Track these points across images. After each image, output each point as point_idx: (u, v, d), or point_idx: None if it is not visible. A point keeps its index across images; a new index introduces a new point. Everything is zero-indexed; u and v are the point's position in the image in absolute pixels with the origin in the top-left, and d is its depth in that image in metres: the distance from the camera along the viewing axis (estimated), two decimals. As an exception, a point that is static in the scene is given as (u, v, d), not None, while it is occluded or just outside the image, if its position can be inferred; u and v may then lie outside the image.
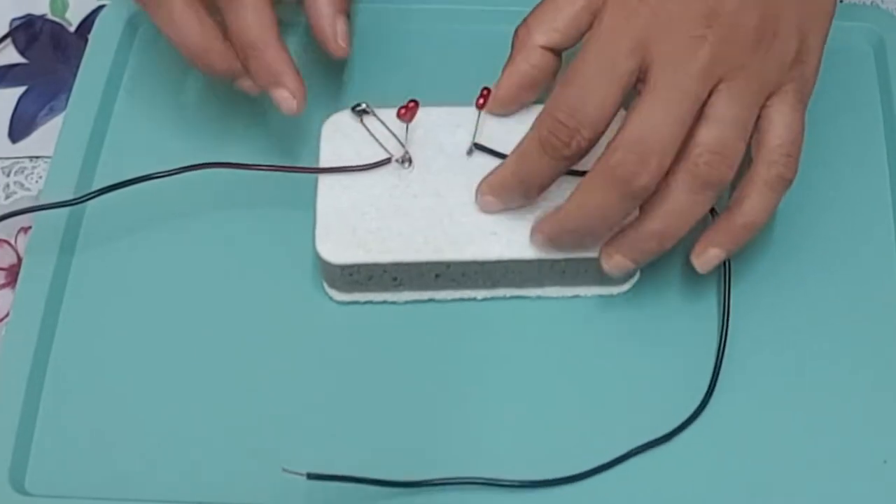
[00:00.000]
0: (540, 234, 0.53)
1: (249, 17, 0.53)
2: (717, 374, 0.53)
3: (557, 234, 0.52)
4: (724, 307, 0.54)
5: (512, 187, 0.53)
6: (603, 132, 0.50)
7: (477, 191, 0.54)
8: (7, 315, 0.55)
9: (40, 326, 0.54)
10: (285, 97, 0.54)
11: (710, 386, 0.53)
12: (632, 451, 0.52)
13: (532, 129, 0.51)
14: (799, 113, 0.51)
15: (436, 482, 0.50)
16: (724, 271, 0.54)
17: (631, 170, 0.48)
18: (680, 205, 0.50)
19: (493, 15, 0.63)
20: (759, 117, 0.51)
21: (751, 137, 0.51)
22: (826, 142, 0.59)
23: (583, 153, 0.50)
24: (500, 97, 0.55)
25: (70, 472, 0.51)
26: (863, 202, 0.58)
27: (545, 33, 0.53)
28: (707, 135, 0.49)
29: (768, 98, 0.50)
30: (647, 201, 0.50)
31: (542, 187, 0.52)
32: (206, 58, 0.54)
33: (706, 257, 0.52)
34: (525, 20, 0.54)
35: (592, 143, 0.50)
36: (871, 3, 0.65)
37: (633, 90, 0.50)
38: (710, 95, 0.49)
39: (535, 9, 0.54)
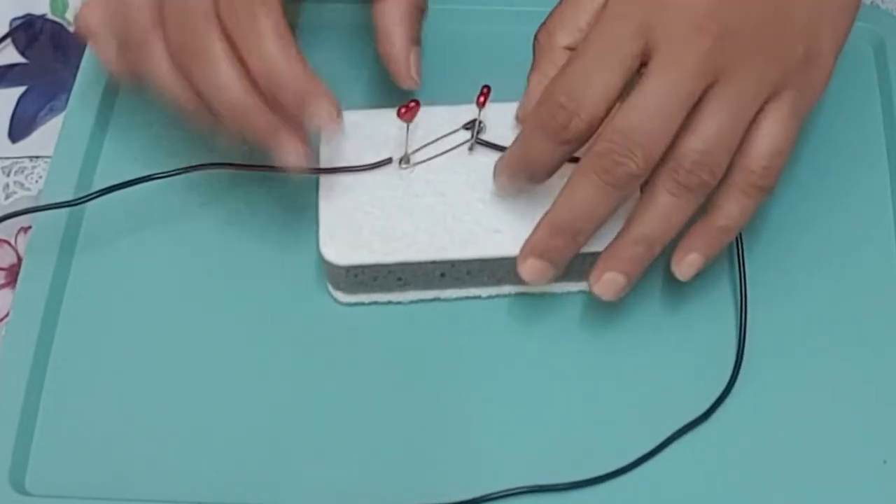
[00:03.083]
0: (531, 253, 0.51)
1: (272, 46, 0.48)
2: (738, 369, 0.53)
3: (549, 238, 0.50)
4: (741, 308, 0.54)
5: (516, 171, 0.52)
6: (604, 117, 0.49)
7: (493, 173, 0.53)
8: (7, 315, 0.55)
9: (40, 326, 0.54)
10: (322, 115, 0.49)
11: (727, 384, 0.53)
12: (670, 437, 0.52)
13: (534, 111, 0.50)
14: (792, 123, 0.50)
15: (492, 496, 0.50)
16: (740, 272, 0.55)
17: (615, 159, 0.48)
18: (663, 208, 0.49)
19: (494, 15, 0.63)
20: (751, 121, 0.49)
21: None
22: (826, 142, 0.59)
23: (583, 137, 0.49)
24: (529, 105, 0.53)
25: (70, 472, 0.51)
26: (863, 202, 0.58)
27: (569, 34, 0.51)
28: (694, 140, 0.48)
29: (766, 102, 0.49)
30: (634, 208, 0.50)
31: (547, 171, 0.51)
32: (248, 116, 0.49)
33: (686, 262, 0.51)
34: (544, 24, 0.52)
35: (592, 127, 0.49)
36: (871, 3, 0.65)
37: (637, 74, 0.49)
38: (706, 92, 0.48)
39: (553, 12, 0.53)
